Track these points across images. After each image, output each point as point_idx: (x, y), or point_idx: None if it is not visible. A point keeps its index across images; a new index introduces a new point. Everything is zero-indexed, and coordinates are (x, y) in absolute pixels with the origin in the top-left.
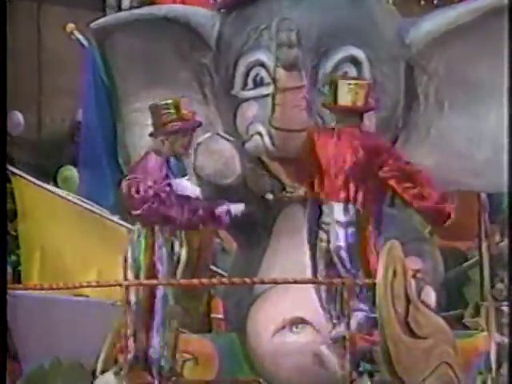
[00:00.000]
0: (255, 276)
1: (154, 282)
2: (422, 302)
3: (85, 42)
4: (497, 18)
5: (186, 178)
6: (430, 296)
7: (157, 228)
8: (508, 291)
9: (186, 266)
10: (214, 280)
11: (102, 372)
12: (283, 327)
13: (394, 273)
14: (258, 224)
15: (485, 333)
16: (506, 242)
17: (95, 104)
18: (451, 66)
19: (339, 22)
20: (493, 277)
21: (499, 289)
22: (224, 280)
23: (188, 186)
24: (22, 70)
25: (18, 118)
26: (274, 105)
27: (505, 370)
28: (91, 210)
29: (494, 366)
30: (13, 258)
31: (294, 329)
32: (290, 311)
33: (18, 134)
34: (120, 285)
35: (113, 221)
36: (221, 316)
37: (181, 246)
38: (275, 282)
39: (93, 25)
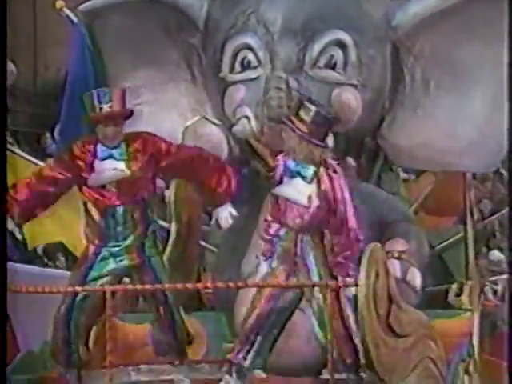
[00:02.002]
0: (243, 254)
1: (139, 286)
2: (407, 282)
3: (74, 19)
4: (481, 2)
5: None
6: (415, 277)
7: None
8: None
9: (176, 242)
10: (199, 284)
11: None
12: None
13: (377, 275)
14: (246, 203)
15: (468, 313)
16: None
17: (83, 82)
18: (437, 48)
19: (326, 5)
20: (477, 253)
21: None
22: (219, 284)
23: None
24: (17, 20)
25: (9, 67)
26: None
27: None
28: None
29: (476, 349)
30: None
31: None
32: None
33: (11, 83)
34: (104, 291)
35: None
36: (210, 291)
37: (170, 221)
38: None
39: (82, 7)
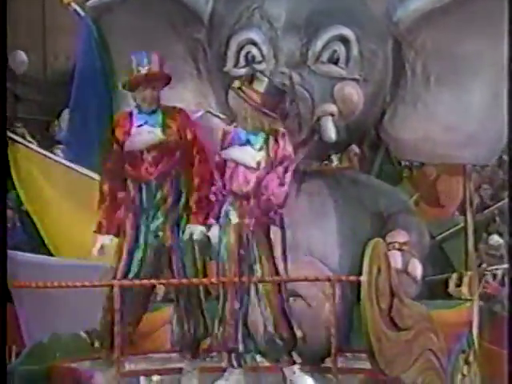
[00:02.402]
0: None
1: (146, 281)
2: (408, 273)
3: (81, 13)
4: None
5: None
6: (417, 268)
7: None
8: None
9: None
10: (205, 280)
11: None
12: None
13: (379, 270)
14: None
15: (468, 303)
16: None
17: (90, 75)
18: (438, 42)
19: (329, 1)
20: (476, 243)
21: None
22: (228, 279)
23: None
24: (26, 9)
25: (21, 56)
26: None
27: None
28: (86, 174)
29: (475, 340)
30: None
31: None
32: None
33: (23, 72)
34: (112, 285)
35: None
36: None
37: None
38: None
39: (89, 2)
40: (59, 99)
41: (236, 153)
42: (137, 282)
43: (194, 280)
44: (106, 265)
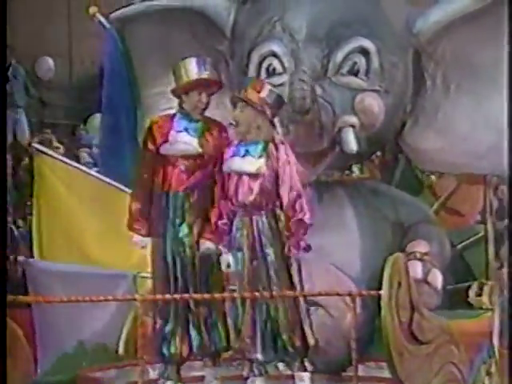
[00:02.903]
0: None
1: (168, 296)
2: (429, 284)
3: (106, 24)
4: (502, 6)
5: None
6: (437, 278)
7: None
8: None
9: None
10: (226, 294)
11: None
12: None
13: (399, 284)
14: None
15: (489, 313)
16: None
17: (115, 86)
18: (457, 52)
19: (349, 13)
20: (497, 253)
21: None
22: (246, 294)
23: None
24: (52, 16)
25: (48, 63)
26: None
27: None
28: (113, 185)
29: (496, 350)
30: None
31: None
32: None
33: (49, 78)
34: (135, 299)
35: None
36: (234, 287)
37: None
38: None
39: (113, 15)
40: (85, 103)
41: (236, 163)
42: (159, 296)
43: (216, 295)
44: (130, 273)
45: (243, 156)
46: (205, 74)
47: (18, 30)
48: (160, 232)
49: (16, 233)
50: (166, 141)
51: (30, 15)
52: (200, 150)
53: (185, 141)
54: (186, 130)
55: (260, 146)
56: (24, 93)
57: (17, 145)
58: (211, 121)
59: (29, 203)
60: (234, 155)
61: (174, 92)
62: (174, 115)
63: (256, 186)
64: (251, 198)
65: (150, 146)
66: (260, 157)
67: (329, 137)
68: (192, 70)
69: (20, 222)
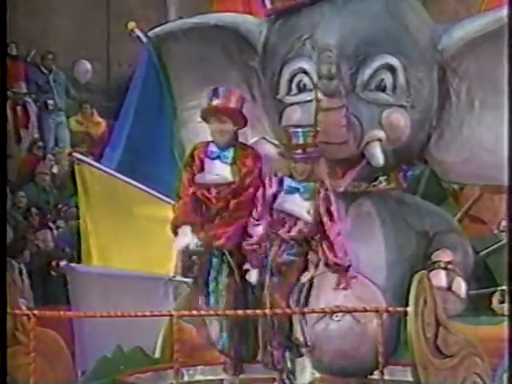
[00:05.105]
0: None
1: (203, 312)
2: (453, 292)
3: (144, 39)
4: None
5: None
6: (461, 287)
7: None
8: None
9: None
10: (258, 311)
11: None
12: (324, 315)
13: (425, 302)
14: None
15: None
16: None
17: (148, 96)
18: (481, 67)
19: (377, 30)
20: None
21: None
22: (278, 311)
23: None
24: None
25: (85, 66)
26: (316, 120)
27: None
28: (149, 192)
29: None
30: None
31: (334, 317)
32: (330, 300)
33: (87, 80)
34: (171, 315)
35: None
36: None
37: None
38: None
39: (150, 33)
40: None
41: (288, 205)
42: (195, 312)
43: (249, 311)
44: (166, 277)
45: (290, 193)
46: (214, 102)
47: (59, 36)
48: None
49: (55, 233)
50: (202, 169)
51: (70, 20)
52: (231, 179)
53: (216, 174)
54: (219, 157)
55: (310, 187)
56: (65, 96)
57: (58, 150)
58: (243, 147)
59: (65, 207)
60: (276, 194)
61: (202, 118)
62: (209, 142)
63: (306, 228)
64: (292, 235)
65: (190, 171)
66: (309, 198)
67: (356, 151)
68: (204, 99)
69: (60, 223)
